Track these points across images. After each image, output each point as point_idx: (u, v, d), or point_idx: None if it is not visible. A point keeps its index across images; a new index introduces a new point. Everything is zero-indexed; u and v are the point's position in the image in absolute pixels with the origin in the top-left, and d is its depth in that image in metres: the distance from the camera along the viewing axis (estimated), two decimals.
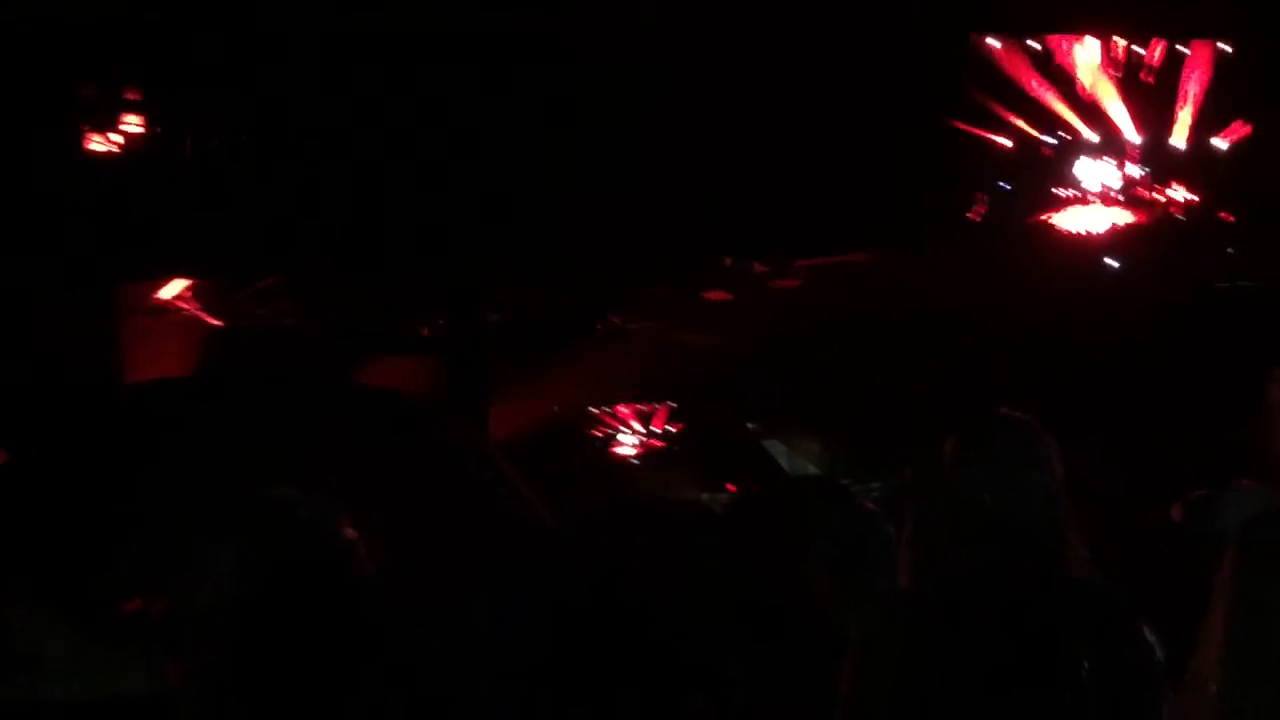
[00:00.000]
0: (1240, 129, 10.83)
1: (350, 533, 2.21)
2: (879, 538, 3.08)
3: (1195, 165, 10.87)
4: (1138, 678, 2.67)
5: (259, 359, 9.59)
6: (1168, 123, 10.79)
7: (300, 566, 2.13)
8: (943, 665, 2.60)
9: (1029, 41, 10.43)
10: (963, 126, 10.19)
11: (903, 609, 2.76)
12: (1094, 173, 10.70)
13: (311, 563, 2.14)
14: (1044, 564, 2.68)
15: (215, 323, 9.82)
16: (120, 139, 8.32)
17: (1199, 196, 10.90)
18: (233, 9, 8.29)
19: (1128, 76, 10.69)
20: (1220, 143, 10.85)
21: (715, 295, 10.83)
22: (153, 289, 9.46)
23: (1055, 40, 10.44)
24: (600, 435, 12.01)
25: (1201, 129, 10.87)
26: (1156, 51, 10.75)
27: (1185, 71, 10.90)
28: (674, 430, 12.06)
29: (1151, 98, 10.73)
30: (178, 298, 9.57)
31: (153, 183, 8.29)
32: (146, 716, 2.72)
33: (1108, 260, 10.70)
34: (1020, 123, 10.48)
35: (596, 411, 11.95)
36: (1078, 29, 10.53)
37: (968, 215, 10.17)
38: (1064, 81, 10.51)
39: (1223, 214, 10.95)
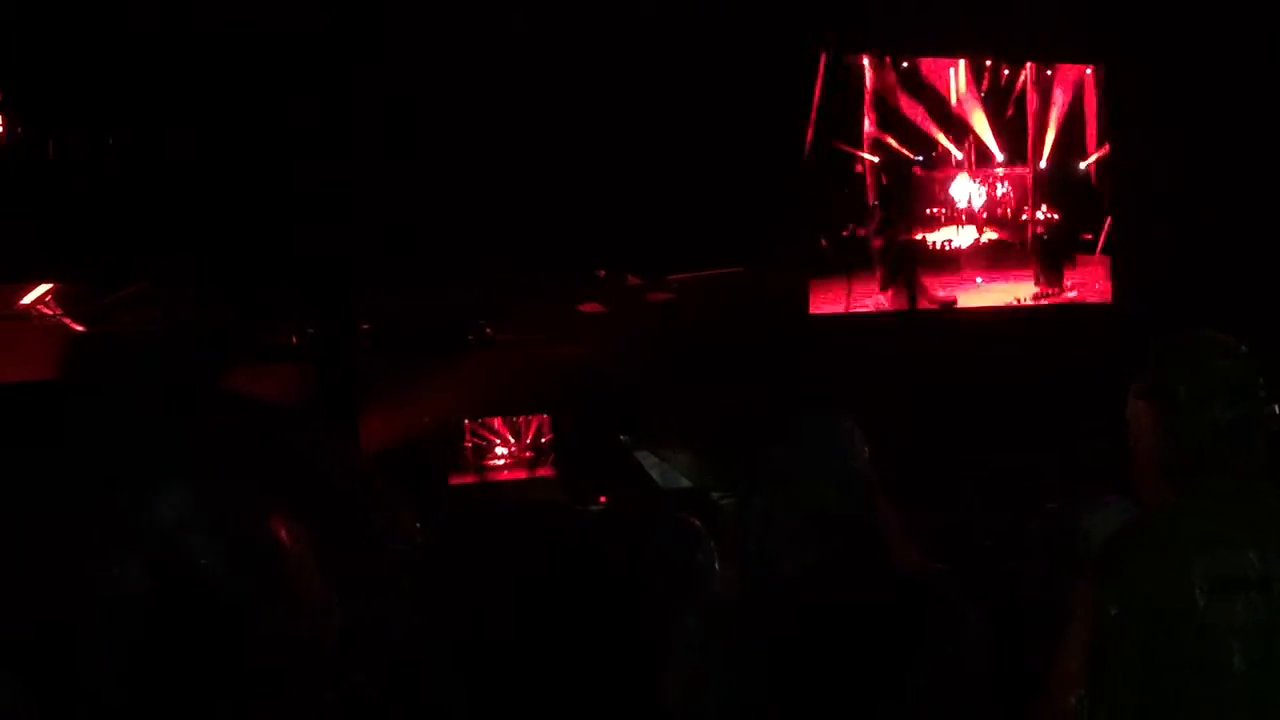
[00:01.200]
0: (1103, 150, 11.16)
1: (245, 534, 2.18)
2: (704, 552, 3.13)
3: (1059, 185, 11.18)
4: (964, 669, 2.74)
5: (123, 366, 9.41)
6: (1036, 144, 11.08)
7: (190, 572, 2.10)
8: (768, 666, 2.65)
9: (902, 63, 10.66)
10: (839, 146, 10.37)
11: (728, 613, 2.82)
12: (963, 191, 10.95)
13: (201, 568, 2.11)
14: (862, 552, 2.75)
15: (78, 328, 9.62)
16: None
17: (1060, 215, 11.20)
18: (97, 8, 8.15)
19: (996, 98, 10.97)
20: (1083, 164, 11.17)
21: (589, 307, 10.85)
22: (13, 293, 9.25)
23: (926, 61, 10.68)
24: (471, 447, 11.96)
25: (1066, 150, 11.19)
26: (1024, 74, 11.03)
27: (1053, 93, 11.22)
28: (546, 442, 12.04)
29: (1020, 119, 11.02)
30: (39, 302, 9.36)
31: (12, 185, 8.11)
32: None
33: (973, 278, 10.95)
34: (891, 141, 10.70)
35: (468, 423, 11.89)
36: (948, 52, 10.78)
37: (838, 232, 10.36)
38: (934, 102, 10.74)
39: (1084, 234, 11.26)
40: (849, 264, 10.62)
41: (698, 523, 3.25)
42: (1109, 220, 11.10)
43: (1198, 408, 2.82)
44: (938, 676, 2.66)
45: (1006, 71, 11.00)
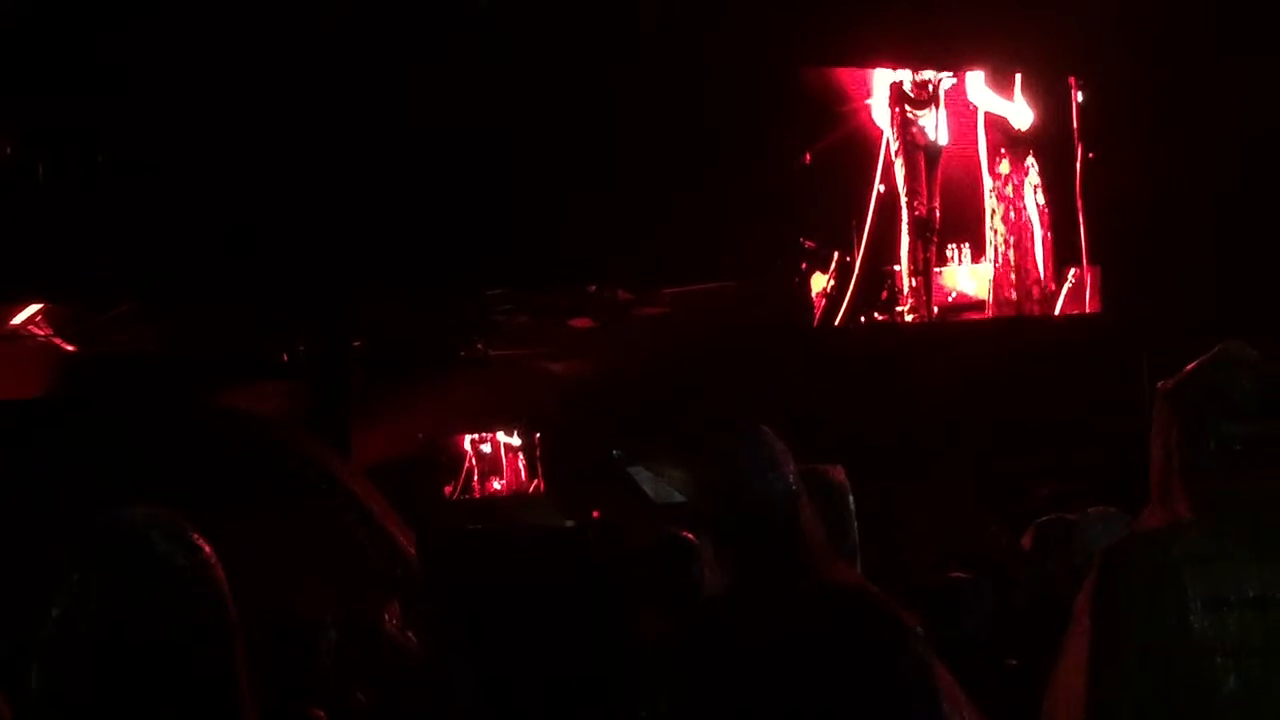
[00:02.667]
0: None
1: (206, 552, 2.17)
2: (697, 565, 3.13)
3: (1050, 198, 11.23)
4: (892, 673, 2.72)
5: (115, 384, 9.39)
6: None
7: (155, 587, 2.08)
8: (711, 681, 2.64)
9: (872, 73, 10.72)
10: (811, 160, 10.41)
11: (681, 627, 2.82)
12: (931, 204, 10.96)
13: (166, 583, 2.10)
14: (793, 566, 2.73)
15: (69, 348, 9.61)
16: None
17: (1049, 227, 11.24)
18: (89, 23, 8.15)
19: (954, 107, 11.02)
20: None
21: (580, 322, 10.85)
22: (4, 314, 9.23)
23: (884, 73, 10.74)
24: (463, 462, 11.94)
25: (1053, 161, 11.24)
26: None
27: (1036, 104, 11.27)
28: (538, 457, 12.02)
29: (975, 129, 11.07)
30: (29, 322, 9.34)
31: (3, 206, 8.10)
32: None
33: (957, 289, 10.97)
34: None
35: (460, 437, 11.87)
36: (904, 62, 10.83)
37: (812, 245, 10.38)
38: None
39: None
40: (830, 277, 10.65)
41: (692, 537, 3.25)
42: (1084, 232, 11.16)
43: (1216, 421, 2.79)
44: (879, 685, 2.64)
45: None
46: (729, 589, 2.72)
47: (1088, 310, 11.18)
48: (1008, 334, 10.94)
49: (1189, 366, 2.94)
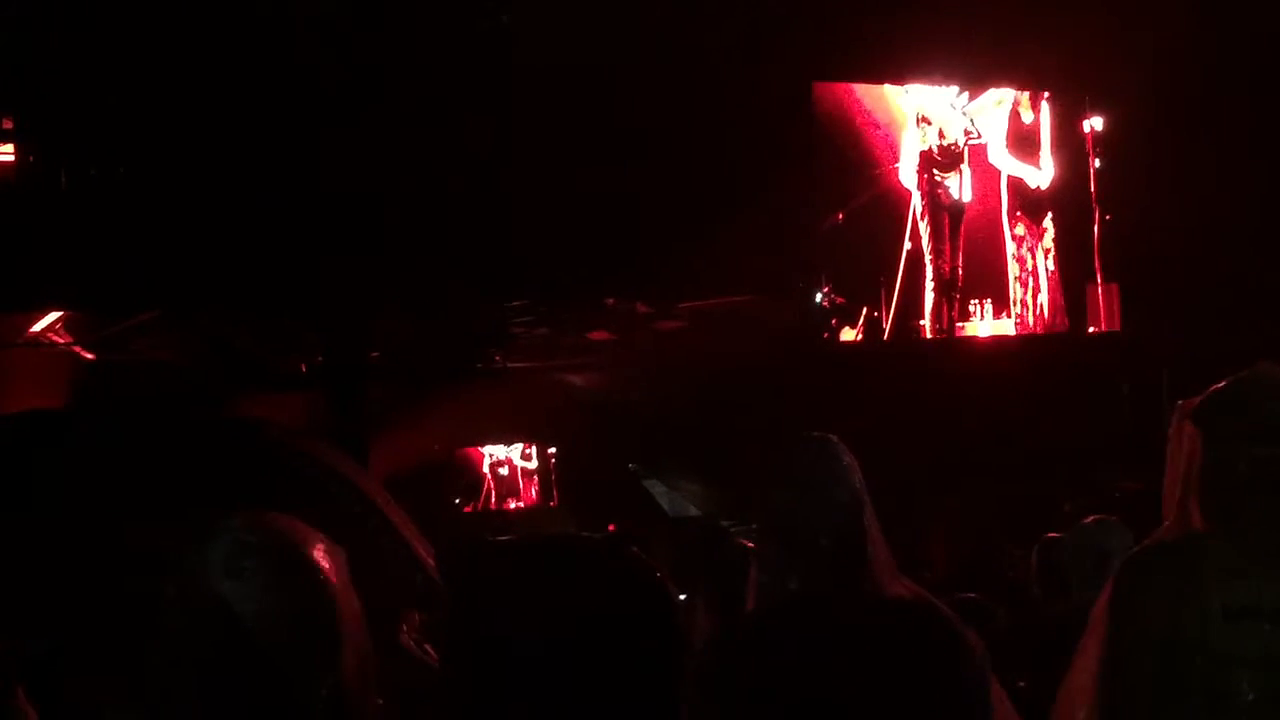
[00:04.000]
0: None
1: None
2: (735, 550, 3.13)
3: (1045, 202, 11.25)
4: (953, 689, 2.71)
5: (135, 393, 9.42)
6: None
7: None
8: (760, 692, 2.64)
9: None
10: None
11: (726, 637, 2.81)
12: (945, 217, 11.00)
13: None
14: (857, 577, 2.72)
15: (89, 356, 9.64)
16: None
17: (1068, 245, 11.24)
18: (110, 38, 8.19)
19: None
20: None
21: (598, 335, 10.86)
22: (26, 321, 9.27)
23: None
24: (481, 473, 11.96)
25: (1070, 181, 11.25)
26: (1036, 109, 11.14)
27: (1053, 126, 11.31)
28: (555, 469, 12.03)
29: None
30: (50, 329, 9.38)
31: (26, 213, 8.14)
32: None
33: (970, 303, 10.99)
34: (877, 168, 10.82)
35: (476, 450, 11.89)
36: (938, 80, 10.88)
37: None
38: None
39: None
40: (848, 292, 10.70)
41: (750, 544, 3.24)
42: (1097, 249, 11.21)
43: (1239, 442, 2.79)
44: (938, 700, 2.64)
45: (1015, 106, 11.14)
46: (791, 597, 2.71)
47: (1103, 328, 11.19)
48: (1029, 351, 10.93)
49: (1217, 386, 2.94)
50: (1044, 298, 11.21)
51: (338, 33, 8.50)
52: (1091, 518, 4.77)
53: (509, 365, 10.91)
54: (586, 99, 9.08)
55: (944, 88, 10.88)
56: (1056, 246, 11.24)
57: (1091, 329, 11.20)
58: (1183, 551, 2.84)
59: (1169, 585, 2.79)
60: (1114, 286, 11.21)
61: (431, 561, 4.13)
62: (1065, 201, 11.29)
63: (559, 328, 10.70)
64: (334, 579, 2.04)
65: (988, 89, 11.10)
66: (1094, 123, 11.19)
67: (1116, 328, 11.16)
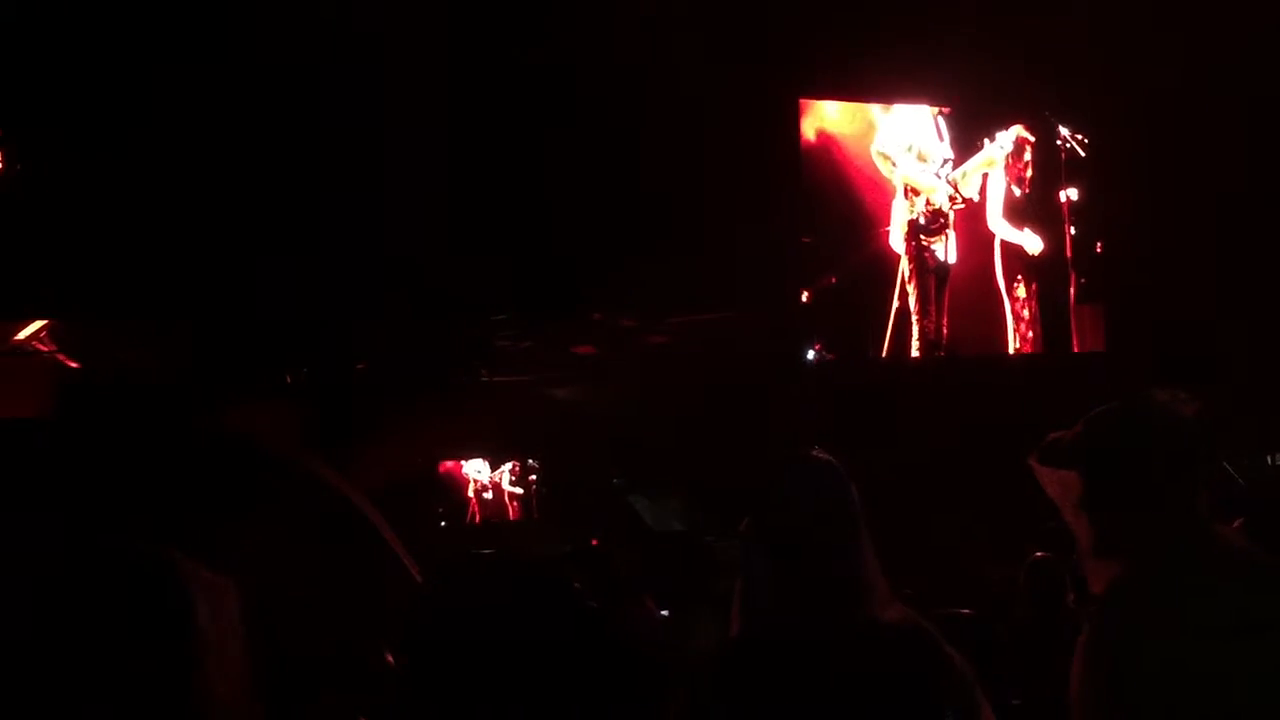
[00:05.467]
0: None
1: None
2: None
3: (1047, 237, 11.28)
4: (942, 714, 2.70)
5: (117, 402, 9.38)
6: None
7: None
8: (753, 710, 2.62)
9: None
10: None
11: (715, 661, 2.79)
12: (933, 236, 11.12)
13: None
14: (846, 603, 2.71)
15: (73, 365, 9.60)
16: None
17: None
18: (98, 49, 8.18)
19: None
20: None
21: (583, 349, 10.85)
22: (8, 330, 9.24)
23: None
24: (464, 486, 11.94)
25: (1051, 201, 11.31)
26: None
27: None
28: (539, 483, 12.02)
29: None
30: (34, 338, 9.35)
31: (11, 222, 8.12)
32: None
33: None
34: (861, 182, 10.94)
35: (462, 463, 11.88)
36: (921, 100, 10.97)
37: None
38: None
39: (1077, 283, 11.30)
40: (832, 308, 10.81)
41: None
42: (1072, 268, 11.32)
43: (1138, 476, 2.79)
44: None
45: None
46: (780, 622, 2.69)
47: (1079, 348, 11.29)
48: (1014, 371, 10.98)
49: (1100, 425, 2.93)
50: (1026, 328, 11.37)
51: (330, 49, 8.51)
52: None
53: (492, 378, 10.90)
54: (576, 114, 9.10)
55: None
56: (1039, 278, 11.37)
57: (1076, 348, 11.28)
58: (1163, 577, 2.84)
59: (1138, 607, 2.80)
60: (1098, 307, 11.28)
61: (418, 577, 4.12)
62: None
63: (543, 341, 10.70)
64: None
65: (972, 111, 11.20)
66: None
67: (1101, 348, 11.21)
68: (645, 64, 9.31)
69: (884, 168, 10.90)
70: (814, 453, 2.87)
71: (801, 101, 10.72)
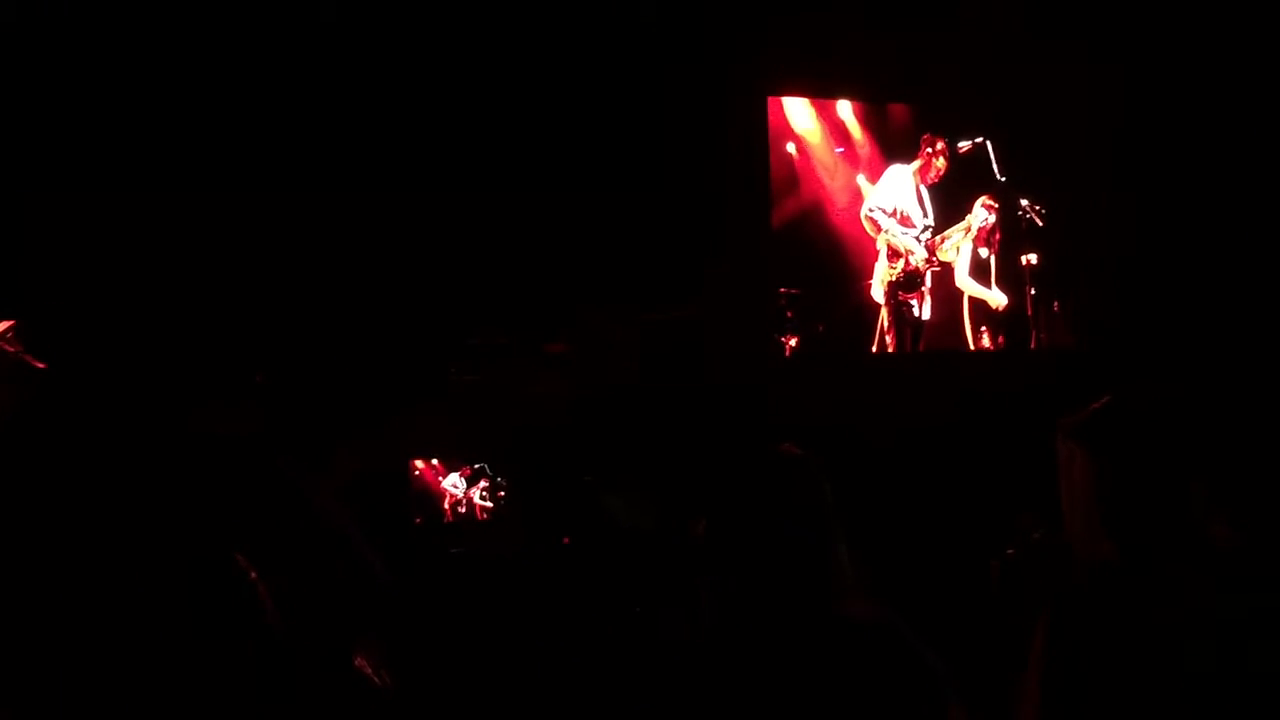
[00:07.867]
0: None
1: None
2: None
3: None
4: (912, 712, 2.71)
5: (91, 403, 9.31)
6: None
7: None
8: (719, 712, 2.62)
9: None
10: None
11: (695, 655, 2.79)
12: (905, 233, 11.24)
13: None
14: (816, 601, 2.71)
15: (39, 365, 9.51)
16: None
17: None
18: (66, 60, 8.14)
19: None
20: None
21: (555, 348, 10.83)
22: None
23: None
24: (435, 485, 11.90)
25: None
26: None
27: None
28: (509, 482, 11.99)
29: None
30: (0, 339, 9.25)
31: None
32: None
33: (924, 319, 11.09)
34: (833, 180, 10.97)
35: (433, 461, 11.83)
36: (885, 98, 11.03)
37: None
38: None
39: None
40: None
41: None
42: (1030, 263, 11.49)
43: (1136, 463, 2.79)
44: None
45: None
46: (749, 620, 2.68)
47: (1055, 343, 11.34)
48: (982, 367, 11.02)
49: (1112, 407, 2.93)
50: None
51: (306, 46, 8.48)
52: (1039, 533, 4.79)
53: (463, 378, 10.87)
54: (541, 104, 9.08)
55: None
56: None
57: (1039, 344, 11.37)
58: (1114, 571, 2.84)
59: (1101, 605, 2.80)
60: (1067, 303, 11.37)
61: (389, 579, 4.09)
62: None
63: (515, 340, 10.68)
64: None
65: (948, 109, 11.31)
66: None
67: (1069, 344, 11.27)
68: (622, 61, 9.31)
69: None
70: (784, 448, 2.87)
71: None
